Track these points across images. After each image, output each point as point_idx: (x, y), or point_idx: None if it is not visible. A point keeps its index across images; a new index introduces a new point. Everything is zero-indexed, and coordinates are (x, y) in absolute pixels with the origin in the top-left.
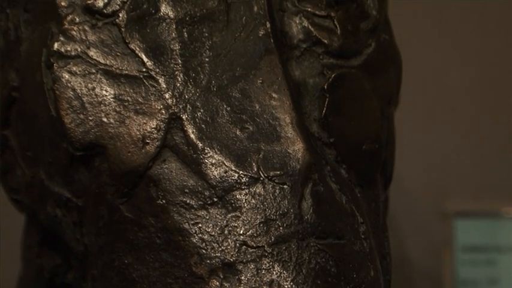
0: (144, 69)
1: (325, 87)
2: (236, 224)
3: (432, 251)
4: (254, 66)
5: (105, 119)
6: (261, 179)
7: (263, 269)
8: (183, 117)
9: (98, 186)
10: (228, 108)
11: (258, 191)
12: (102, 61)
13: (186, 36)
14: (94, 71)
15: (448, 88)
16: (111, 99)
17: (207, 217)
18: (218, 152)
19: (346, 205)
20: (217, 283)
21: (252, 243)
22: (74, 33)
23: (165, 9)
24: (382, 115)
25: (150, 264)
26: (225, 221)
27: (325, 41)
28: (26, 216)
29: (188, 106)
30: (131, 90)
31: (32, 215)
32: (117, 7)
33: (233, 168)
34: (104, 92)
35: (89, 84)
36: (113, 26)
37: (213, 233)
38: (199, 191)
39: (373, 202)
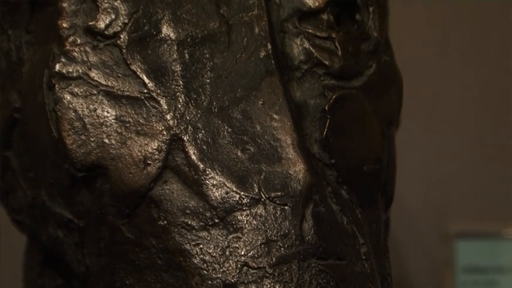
0: (145, 91)
1: (326, 108)
2: (237, 245)
3: (433, 272)
4: (255, 88)
5: (106, 140)
6: (262, 200)
7: None
8: (185, 138)
9: (100, 207)
10: (229, 130)
11: (259, 212)
12: (104, 82)
13: (187, 57)
14: (95, 92)
15: (449, 109)
16: (113, 121)
17: (208, 238)
18: (219, 173)
19: (347, 226)
20: None
21: (253, 264)
22: (76, 54)
23: (167, 30)
24: (383, 136)
25: (152, 285)
26: (226, 242)
27: (326, 62)
28: (27, 237)
29: (189, 127)
30: (132, 112)
31: (33, 235)
32: (119, 28)
33: (234, 189)
34: (106, 113)
35: (91, 106)
36: (114, 48)
37: (214, 254)
38: (201, 212)
39: (374, 223)
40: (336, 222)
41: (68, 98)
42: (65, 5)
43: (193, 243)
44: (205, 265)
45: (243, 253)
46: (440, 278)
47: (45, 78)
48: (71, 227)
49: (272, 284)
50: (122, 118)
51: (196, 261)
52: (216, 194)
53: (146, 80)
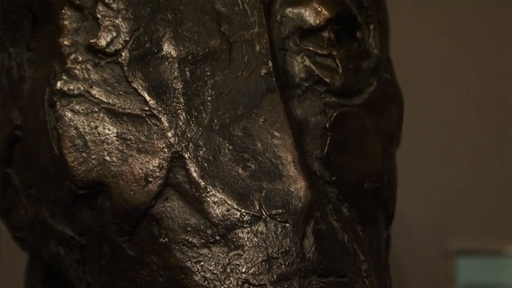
0: (146, 108)
1: (327, 125)
2: (238, 262)
3: None
4: (256, 105)
5: (107, 158)
6: (263, 217)
7: None
8: (186, 155)
9: (101, 224)
10: (230, 147)
11: (260, 229)
12: (105, 100)
13: (188, 75)
14: (97, 109)
15: (450, 128)
16: (114, 138)
17: (210, 255)
18: (220, 191)
19: (348, 243)
20: None
21: (254, 281)
22: (77, 72)
23: (168, 48)
24: (383, 154)
25: None
26: (227, 259)
27: (327, 80)
28: (28, 254)
29: (190, 145)
30: (134, 129)
31: (34, 253)
32: (120, 46)
33: (235, 207)
34: (107, 131)
35: (92, 123)
36: (115, 65)
37: (216, 271)
38: (202, 229)
39: (374, 240)
40: (336, 239)
41: (69, 115)
42: (66, 22)
43: (195, 260)
44: (206, 282)
45: (244, 270)
46: None
47: (46, 96)
48: (72, 244)
49: None
50: (123, 135)
51: (197, 279)
52: (217, 211)
53: (147, 98)
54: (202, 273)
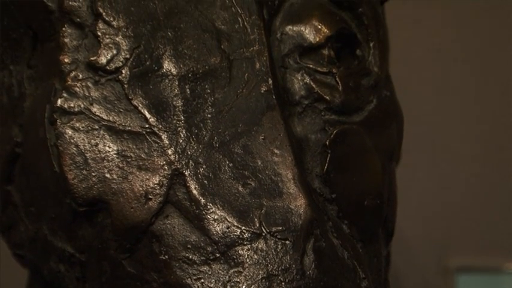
0: (146, 126)
1: (327, 143)
2: (238, 280)
3: None
4: (256, 123)
5: (108, 175)
6: (263, 234)
7: None
8: (186, 173)
9: (101, 241)
10: (231, 164)
11: (260, 246)
12: (105, 117)
13: (188, 92)
14: (97, 127)
15: (449, 145)
16: (114, 155)
17: (210, 272)
18: (220, 208)
19: (348, 260)
20: None
21: None
22: (77, 89)
23: (168, 65)
24: (383, 171)
25: None
26: (227, 277)
27: (327, 98)
28: (29, 272)
29: (191, 162)
30: (134, 146)
31: (35, 270)
32: (120, 64)
33: (235, 224)
34: (107, 148)
35: (92, 140)
36: (115, 83)
37: None
38: (202, 247)
39: (374, 257)
40: (336, 256)
41: (70, 132)
42: (66, 40)
43: (195, 277)
44: None
45: (244, 287)
46: None
47: (46, 113)
48: (72, 262)
49: None
50: (123, 153)
51: None
52: (217, 228)
53: (148, 115)
54: None
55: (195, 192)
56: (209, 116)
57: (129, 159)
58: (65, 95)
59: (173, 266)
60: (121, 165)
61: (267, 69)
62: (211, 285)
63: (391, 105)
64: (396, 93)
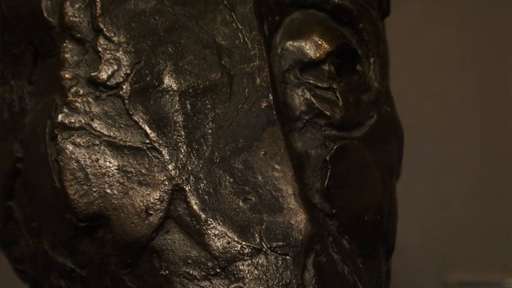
0: (147, 141)
1: (328, 158)
2: None
3: None
4: (257, 138)
5: (108, 190)
6: (264, 249)
7: None
8: (186, 188)
9: (102, 257)
10: (231, 180)
11: (260, 261)
12: (106, 133)
13: (189, 108)
14: (98, 142)
15: (449, 160)
16: (115, 171)
17: (210, 287)
18: (221, 223)
19: (349, 276)
20: None
21: None
22: (78, 105)
23: (169, 81)
24: (384, 186)
25: None
26: None
27: (327, 113)
28: (29, 287)
29: (191, 177)
30: (135, 162)
31: (35, 285)
32: (121, 79)
33: (236, 239)
34: (108, 164)
35: (93, 156)
36: (116, 98)
37: None
38: (202, 262)
39: (375, 273)
40: (337, 272)
41: (70, 148)
42: (67, 55)
43: None
44: None
45: None
46: None
47: (47, 129)
48: (73, 277)
49: None
50: (124, 168)
51: None
52: (218, 243)
53: (148, 131)
54: None
55: (195, 207)
56: (210, 131)
57: (130, 175)
58: (65, 110)
59: (174, 281)
60: (121, 180)
61: (268, 85)
62: None
63: (391, 120)
64: (396, 109)
